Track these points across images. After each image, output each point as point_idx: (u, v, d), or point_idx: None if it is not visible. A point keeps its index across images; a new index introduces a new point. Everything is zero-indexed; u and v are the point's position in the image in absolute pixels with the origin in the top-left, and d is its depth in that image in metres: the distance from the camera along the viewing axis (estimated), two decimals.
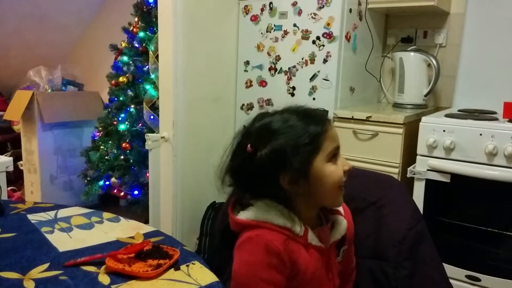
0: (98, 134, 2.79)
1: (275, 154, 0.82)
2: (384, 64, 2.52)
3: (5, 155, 2.60)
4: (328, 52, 2.04)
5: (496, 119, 1.79)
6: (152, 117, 2.44)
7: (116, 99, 2.71)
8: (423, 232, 1.08)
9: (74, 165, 3.12)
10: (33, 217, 1.12)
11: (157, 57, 2.23)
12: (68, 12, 3.55)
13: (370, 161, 1.97)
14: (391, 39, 2.48)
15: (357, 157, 1.99)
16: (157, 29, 2.15)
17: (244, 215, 0.87)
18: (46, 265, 0.86)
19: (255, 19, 2.27)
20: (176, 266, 0.88)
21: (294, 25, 2.13)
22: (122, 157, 2.64)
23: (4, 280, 0.80)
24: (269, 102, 2.27)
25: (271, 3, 2.19)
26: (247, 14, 2.30)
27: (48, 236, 1.01)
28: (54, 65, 3.17)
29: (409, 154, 1.93)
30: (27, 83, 3.11)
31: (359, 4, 2.13)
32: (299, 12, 2.10)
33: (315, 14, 2.06)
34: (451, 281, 1.11)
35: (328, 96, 2.08)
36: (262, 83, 2.29)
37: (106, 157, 2.69)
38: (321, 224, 0.93)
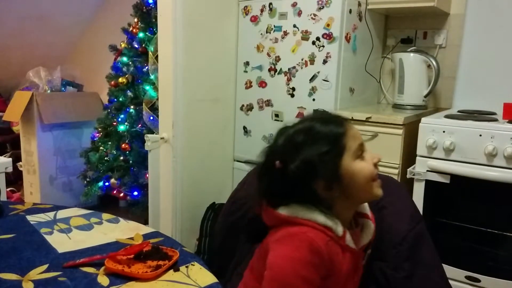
0: (97, 135, 2.78)
1: (304, 165, 0.83)
2: (384, 65, 2.52)
3: (5, 156, 2.60)
4: (328, 53, 2.04)
5: (495, 120, 1.79)
6: (151, 118, 2.44)
7: (115, 100, 2.71)
8: (423, 233, 1.07)
9: (73, 166, 3.11)
10: (32, 218, 1.12)
11: (156, 57, 2.23)
12: (68, 13, 3.55)
13: None
14: (391, 40, 2.48)
15: None
16: (156, 29, 2.15)
17: (285, 211, 0.87)
18: (45, 266, 0.86)
19: (254, 19, 2.27)
20: (175, 267, 0.87)
21: (294, 25, 2.13)
22: (121, 158, 2.64)
23: (3, 281, 0.80)
24: (268, 102, 2.27)
25: (271, 3, 2.19)
26: (246, 14, 2.30)
27: (47, 237, 1.00)
28: (54, 66, 3.17)
29: (409, 155, 1.93)
30: (27, 83, 3.11)
31: (359, 5, 2.13)
32: (299, 13, 2.10)
33: (315, 14, 2.06)
34: (451, 282, 1.10)
35: (328, 97, 2.08)
36: (262, 83, 2.29)
37: (105, 158, 2.69)
38: (352, 227, 0.94)
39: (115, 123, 2.68)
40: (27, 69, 3.13)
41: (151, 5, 2.53)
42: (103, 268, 0.86)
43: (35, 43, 3.62)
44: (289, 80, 2.18)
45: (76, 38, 3.87)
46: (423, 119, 1.83)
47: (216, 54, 2.26)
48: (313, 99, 2.11)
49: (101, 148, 2.73)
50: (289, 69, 2.17)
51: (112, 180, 2.70)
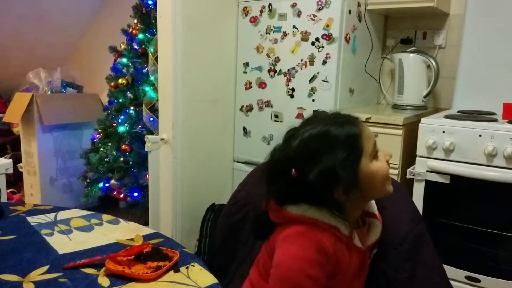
0: (97, 136, 2.79)
1: (324, 175, 0.81)
2: (383, 65, 2.52)
3: (5, 157, 2.60)
4: (327, 54, 2.04)
5: (495, 120, 1.79)
6: (151, 119, 2.44)
7: (115, 101, 2.71)
8: (423, 234, 1.07)
9: (73, 167, 3.11)
10: (32, 220, 1.12)
11: (156, 59, 2.23)
12: (67, 14, 3.55)
13: None
14: (390, 40, 2.48)
15: None
16: (156, 31, 2.15)
17: (294, 210, 0.87)
18: (45, 268, 0.86)
19: (254, 20, 2.27)
20: (175, 268, 0.88)
21: (294, 26, 2.13)
22: (121, 159, 2.64)
23: (4, 282, 0.80)
24: (268, 103, 2.27)
25: (270, 4, 2.19)
26: (246, 15, 2.30)
27: (47, 239, 1.01)
28: (54, 67, 3.17)
29: (409, 155, 1.93)
30: (26, 85, 3.11)
31: (359, 5, 2.14)
32: (298, 14, 2.10)
33: (314, 15, 2.06)
34: (451, 282, 1.10)
35: (328, 97, 2.08)
36: (262, 84, 2.29)
37: (105, 159, 2.69)
38: (360, 226, 0.94)
39: (115, 124, 2.68)
40: (27, 70, 3.13)
41: (150, 6, 2.53)
42: (103, 269, 0.86)
43: (35, 44, 3.62)
44: (288, 80, 2.18)
45: (76, 39, 3.87)
46: (423, 120, 1.83)
47: (216, 55, 2.26)
48: (313, 100, 2.12)
49: (101, 149, 2.73)
50: (288, 69, 2.17)
51: (112, 181, 2.70)
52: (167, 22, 2.00)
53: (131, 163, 2.60)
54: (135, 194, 2.61)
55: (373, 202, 1.00)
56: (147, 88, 2.50)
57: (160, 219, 2.17)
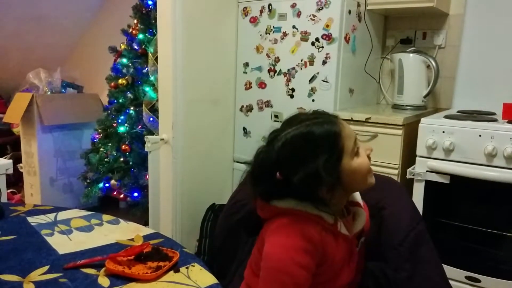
0: (97, 136, 2.79)
1: (308, 177, 0.84)
2: (383, 65, 2.52)
3: (5, 158, 2.60)
4: (327, 54, 2.05)
5: (495, 120, 1.79)
6: (151, 119, 2.44)
7: (115, 101, 2.71)
8: (423, 234, 1.08)
9: (73, 167, 3.12)
10: (33, 220, 1.12)
11: (156, 59, 2.23)
12: (67, 14, 3.55)
13: None
14: (390, 41, 2.48)
15: None
16: (156, 31, 2.15)
17: (279, 204, 0.89)
18: (46, 268, 0.86)
19: (254, 20, 2.27)
20: (175, 268, 0.88)
21: (293, 26, 2.13)
22: (121, 159, 2.64)
23: (4, 283, 0.80)
24: (268, 103, 2.28)
25: (270, 4, 2.19)
26: (246, 15, 2.30)
27: (48, 239, 1.01)
28: (54, 68, 3.17)
29: (409, 156, 1.93)
30: (27, 85, 3.11)
31: (358, 5, 2.14)
32: (298, 14, 2.10)
33: (314, 15, 2.06)
34: (451, 282, 1.11)
35: (328, 97, 2.08)
36: (262, 84, 2.29)
37: (105, 159, 2.69)
38: (344, 215, 0.96)
39: (115, 125, 2.68)
40: (26, 70, 3.13)
41: (150, 7, 2.53)
42: (103, 269, 0.86)
43: (35, 45, 3.62)
44: (288, 81, 2.18)
45: (75, 39, 3.87)
46: (423, 120, 1.84)
47: (216, 55, 2.27)
48: (313, 100, 2.12)
49: (101, 149, 2.73)
50: (288, 70, 2.17)
51: (112, 181, 2.70)
52: (167, 22, 2.00)
53: (131, 163, 2.60)
54: (135, 194, 2.61)
55: (357, 192, 1.02)
56: (147, 88, 2.50)
57: (160, 219, 2.17)
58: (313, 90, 2.11)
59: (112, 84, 2.69)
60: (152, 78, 2.42)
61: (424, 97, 2.24)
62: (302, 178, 0.84)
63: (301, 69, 2.13)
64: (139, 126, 2.61)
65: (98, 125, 2.78)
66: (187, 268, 0.88)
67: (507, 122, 1.73)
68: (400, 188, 1.20)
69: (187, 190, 2.17)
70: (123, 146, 2.59)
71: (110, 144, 2.68)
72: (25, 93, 2.98)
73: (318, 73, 2.08)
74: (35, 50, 3.66)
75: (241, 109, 2.40)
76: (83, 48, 3.89)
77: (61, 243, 0.98)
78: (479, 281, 1.75)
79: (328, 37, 2.04)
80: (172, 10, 1.97)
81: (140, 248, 0.92)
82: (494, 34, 2.19)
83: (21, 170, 3.11)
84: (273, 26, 2.20)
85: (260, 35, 2.25)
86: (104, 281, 0.82)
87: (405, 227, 1.06)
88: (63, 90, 3.17)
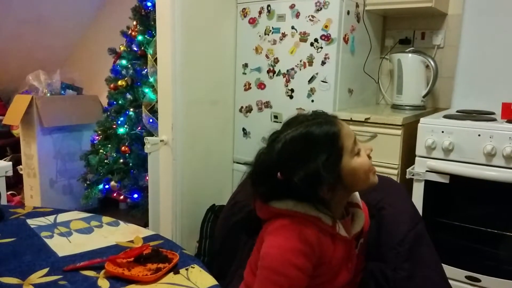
0: (97, 137, 2.79)
1: (309, 177, 0.85)
2: (382, 65, 2.52)
3: (5, 160, 2.60)
4: (326, 54, 2.05)
5: (494, 119, 1.79)
6: (151, 120, 2.44)
7: (115, 102, 2.71)
8: (423, 234, 1.08)
9: (73, 169, 3.11)
10: (32, 222, 1.12)
11: (155, 60, 2.23)
12: (67, 16, 3.56)
13: None
14: (389, 41, 2.48)
15: None
16: (155, 32, 2.15)
17: (278, 205, 0.90)
18: (45, 270, 0.86)
19: (253, 21, 2.27)
20: (175, 269, 0.88)
21: (292, 27, 2.13)
22: (121, 160, 2.64)
23: (4, 285, 0.80)
24: (267, 104, 2.28)
25: (269, 5, 2.19)
26: (245, 16, 2.30)
27: (47, 241, 1.01)
28: (53, 69, 3.17)
29: (408, 155, 1.93)
30: (26, 87, 3.11)
31: (357, 6, 2.14)
32: (297, 15, 2.11)
33: (313, 16, 2.06)
34: (451, 282, 1.11)
35: (327, 98, 2.08)
36: (261, 85, 2.29)
37: (105, 161, 2.69)
38: (343, 216, 0.96)
39: (114, 126, 2.68)
40: (26, 72, 3.13)
41: (149, 8, 2.53)
42: (103, 271, 0.86)
43: (34, 47, 3.62)
44: (287, 81, 2.19)
45: (75, 41, 3.88)
46: (422, 120, 1.84)
47: (215, 56, 2.27)
48: (312, 100, 2.12)
49: (101, 151, 2.73)
50: (287, 70, 2.18)
51: (112, 183, 2.70)
52: (166, 24, 2.00)
53: (131, 164, 2.60)
54: (135, 195, 2.61)
55: (356, 193, 1.02)
56: (146, 90, 2.51)
57: (160, 221, 2.17)
58: (312, 91, 2.11)
59: (112, 85, 2.70)
60: (151, 79, 2.42)
61: (423, 97, 2.24)
62: (303, 178, 0.84)
63: (300, 69, 2.13)
64: (139, 128, 2.61)
65: (97, 126, 2.78)
66: (186, 269, 0.88)
67: (506, 122, 1.73)
68: (400, 188, 1.20)
69: (187, 191, 2.17)
70: (123, 148, 2.59)
71: (110, 145, 2.69)
72: (24, 95, 2.98)
73: (317, 73, 2.09)
74: (35, 52, 3.66)
75: (240, 110, 2.40)
76: (83, 49, 3.90)
77: (60, 245, 0.99)
78: (479, 280, 1.75)
79: (327, 38, 2.04)
80: (171, 12, 1.97)
81: (139, 250, 0.92)
82: (492, 34, 2.19)
83: (20, 172, 3.11)
84: (272, 27, 2.20)
85: (259, 36, 2.25)
86: (103, 283, 0.82)
87: (405, 227, 1.06)
88: (62, 91, 3.17)
